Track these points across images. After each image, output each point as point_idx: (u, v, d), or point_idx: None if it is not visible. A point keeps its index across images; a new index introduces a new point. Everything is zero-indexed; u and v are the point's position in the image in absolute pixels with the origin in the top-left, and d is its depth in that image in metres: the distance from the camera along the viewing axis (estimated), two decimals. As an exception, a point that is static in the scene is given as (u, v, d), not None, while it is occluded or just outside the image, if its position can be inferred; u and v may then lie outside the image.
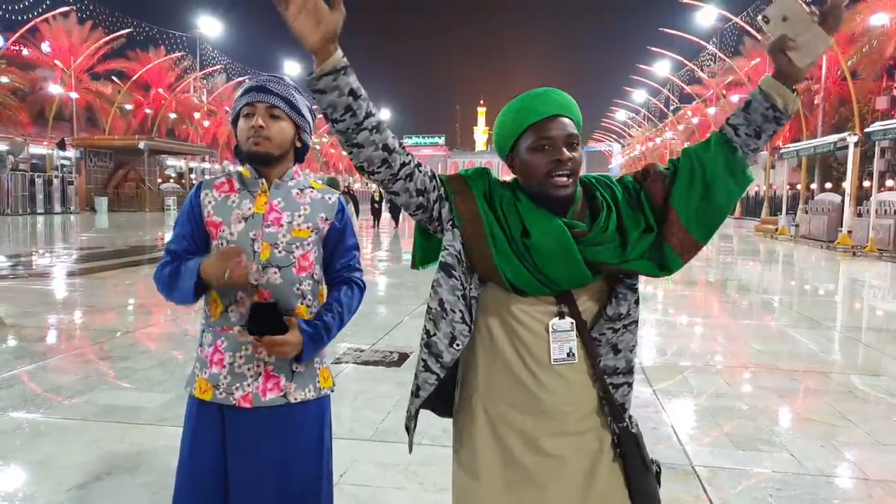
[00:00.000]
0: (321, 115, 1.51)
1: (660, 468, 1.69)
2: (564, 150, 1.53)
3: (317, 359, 2.00)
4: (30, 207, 35.00)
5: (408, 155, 1.56)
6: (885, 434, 4.24)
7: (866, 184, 28.48)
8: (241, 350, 1.90)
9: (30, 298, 8.91)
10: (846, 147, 21.75)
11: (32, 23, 40.95)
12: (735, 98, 45.38)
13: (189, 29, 56.80)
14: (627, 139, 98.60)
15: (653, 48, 54.08)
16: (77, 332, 7.08)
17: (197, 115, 60.21)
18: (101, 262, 13.66)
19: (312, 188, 2.03)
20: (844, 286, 12.95)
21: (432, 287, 1.61)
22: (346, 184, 35.33)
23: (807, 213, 24.17)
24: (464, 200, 1.58)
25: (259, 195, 1.95)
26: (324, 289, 2.06)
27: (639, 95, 71.85)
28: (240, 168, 2.03)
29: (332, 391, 2.05)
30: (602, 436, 1.62)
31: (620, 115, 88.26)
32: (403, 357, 5.85)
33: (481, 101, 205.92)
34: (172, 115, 57.05)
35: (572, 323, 1.57)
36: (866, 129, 21.29)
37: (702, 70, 53.16)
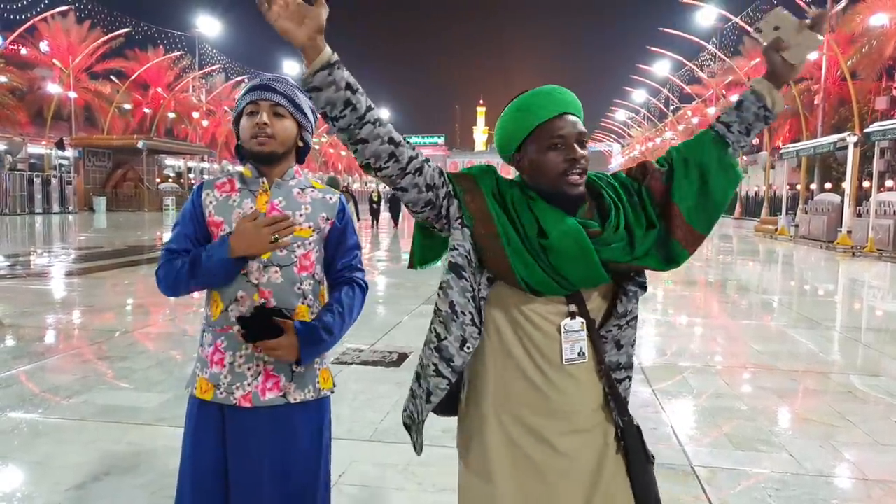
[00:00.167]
0: (321, 113, 1.49)
1: (653, 458, 1.71)
2: (577, 147, 1.55)
3: (317, 360, 1.99)
4: (28, 207, 34.98)
5: (413, 149, 1.54)
6: (884, 434, 4.24)
7: (866, 184, 28.49)
8: (242, 349, 1.90)
9: (28, 298, 8.90)
10: (846, 147, 21.76)
11: (31, 22, 40.95)
12: (735, 98, 45.39)
13: (188, 28, 56.81)
14: (627, 139, 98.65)
15: (653, 48, 54.17)
16: (75, 332, 7.07)
17: (196, 115, 60.20)
18: (100, 261, 13.65)
19: (313, 188, 2.02)
20: (844, 286, 12.95)
21: (441, 288, 1.58)
22: (346, 184, 35.31)
23: (806, 213, 24.19)
24: (473, 199, 1.56)
25: (260, 194, 1.95)
26: (325, 289, 2.06)
27: (639, 95, 71.90)
28: (241, 168, 2.02)
29: (333, 392, 2.04)
30: (607, 430, 1.63)
31: (620, 114, 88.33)
32: (403, 357, 5.84)
33: (481, 101, 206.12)
34: (171, 115, 57.06)
35: (583, 323, 1.58)
36: (866, 130, 21.31)
37: (701, 70, 53.21)
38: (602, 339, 1.61)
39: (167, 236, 21.32)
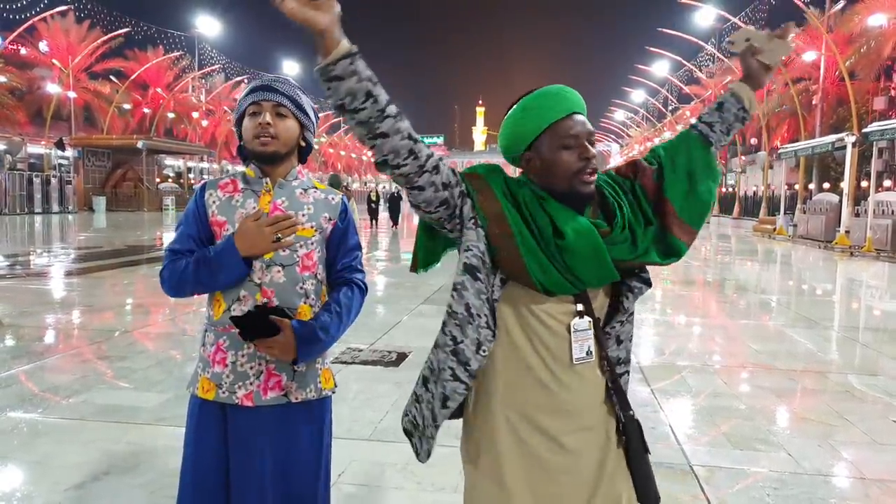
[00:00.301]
0: (338, 105, 1.42)
1: (649, 450, 1.74)
2: (589, 147, 1.58)
3: (318, 359, 2.00)
4: (27, 207, 34.95)
5: (428, 147, 1.51)
6: (882, 433, 4.25)
7: (864, 184, 28.52)
8: (244, 349, 1.91)
9: (27, 298, 8.90)
10: (844, 147, 21.78)
11: (30, 22, 40.91)
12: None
13: (187, 28, 56.84)
14: (626, 139, 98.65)
15: (651, 48, 54.14)
16: (75, 331, 7.07)
17: (195, 115, 60.15)
18: (99, 261, 13.65)
19: (316, 188, 2.03)
20: (842, 286, 12.97)
21: (456, 290, 1.57)
22: (345, 184, 35.31)
23: (805, 213, 24.22)
24: (486, 198, 1.56)
25: (263, 194, 1.96)
26: (326, 289, 2.06)
27: (637, 96, 71.85)
28: (243, 168, 2.03)
29: (334, 392, 2.05)
30: (609, 425, 1.66)
31: (619, 115, 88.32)
32: (402, 357, 5.85)
33: (480, 101, 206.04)
34: (171, 115, 57.00)
35: (590, 321, 1.59)
36: (864, 130, 21.34)
37: (700, 70, 53.23)
38: (606, 335, 1.64)
39: (167, 236, 21.37)
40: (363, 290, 2.06)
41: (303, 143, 2.02)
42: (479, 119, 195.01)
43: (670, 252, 1.62)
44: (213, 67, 64.08)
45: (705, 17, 41.51)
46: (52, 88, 42.93)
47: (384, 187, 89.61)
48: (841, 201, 21.77)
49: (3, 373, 5.23)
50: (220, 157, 63.51)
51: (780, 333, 7.51)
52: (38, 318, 7.55)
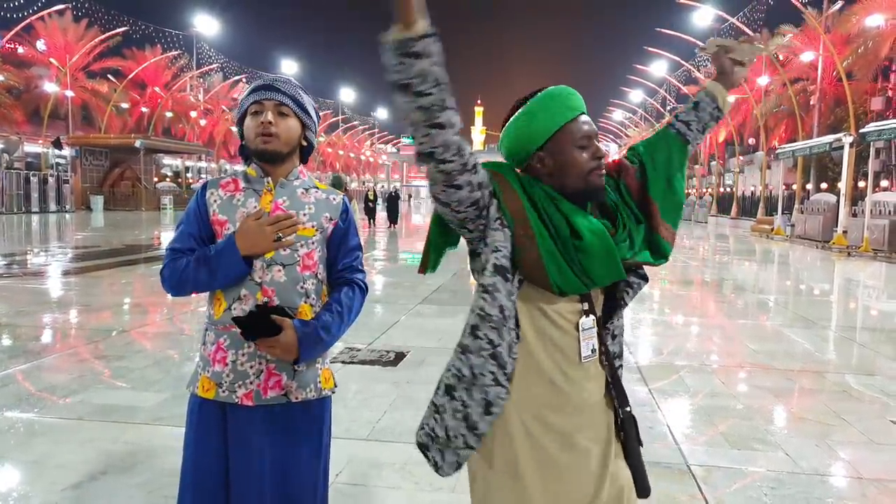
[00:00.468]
0: (402, 84, 1.33)
1: (642, 443, 1.78)
2: (600, 146, 1.61)
3: (319, 359, 2.00)
4: (25, 206, 34.89)
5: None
6: (879, 433, 4.26)
7: (861, 184, 28.58)
8: (244, 347, 1.90)
9: (24, 297, 8.89)
10: (842, 147, 21.81)
11: (28, 20, 40.88)
12: (731, 98, 45.40)
13: (185, 27, 56.81)
14: (624, 139, 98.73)
15: (650, 48, 54.18)
16: (72, 331, 7.06)
17: (193, 114, 60.08)
18: (97, 261, 13.63)
19: (317, 188, 2.04)
20: (839, 286, 12.99)
21: (487, 292, 1.54)
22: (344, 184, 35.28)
23: (802, 213, 24.25)
24: (510, 198, 1.55)
25: (264, 194, 1.96)
26: (327, 289, 2.06)
27: (636, 96, 71.89)
28: (245, 167, 2.03)
29: (334, 392, 2.05)
30: (609, 420, 1.68)
31: (617, 115, 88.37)
32: (400, 356, 5.85)
33: (478, 101, 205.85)
34: (169, 114, 56.93)
35: (594, 319, 1.63)
36: (861, 130, 21.37)
37: (698, 70, 53.23)
38: (606, 331, 1.67)
39: (165, 235, 21.35)
40: (364, 291, 2.07)
41: (304, 143, 2.03)
42: (478, 119, 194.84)
43: (659, 252, 1.66)
44: (212, 66, 63.99)
45: (703, 17, 41.53)
46: (50, 87, 42.88)
47: (382, 187, 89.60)
48: (838, 201, 21.81)
49: (1, 372, 5.22)
50: (218, 156, 63.43)
51: (777, 333, 7.52)
52: (35, 317, 7.53)
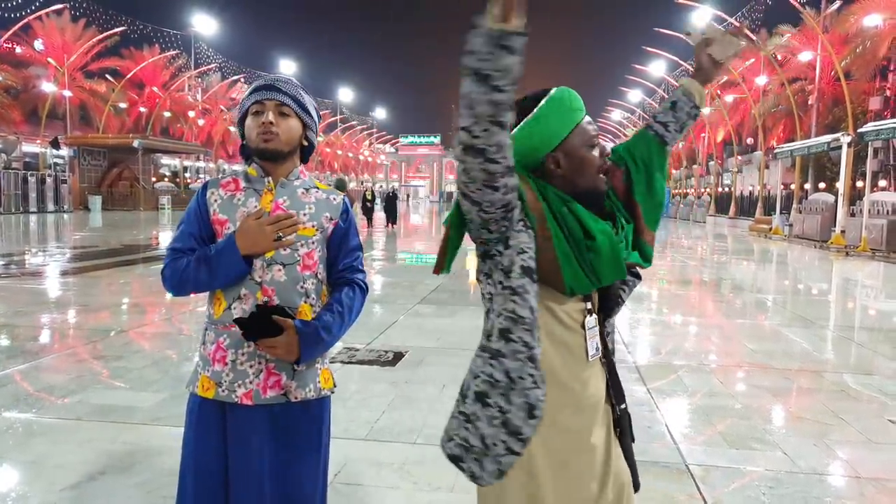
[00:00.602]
0: (483, 74, 1.31)
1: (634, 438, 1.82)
2: (604, 145, 1.65)
3: (318, 359, 2.00)
4: (23, 206, 34.83)
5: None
6: (877, 433, 4.27)
7: (859, 184, 28.59)
8: (244, 347, 1.91)
9: (22, 298, 8.87)
10: (840, 147, 21.85)
11: (25, 20, 40.81)
12: (729, 98, 45.48)
13: (183, 27, 56.78)
14: (622, 139, 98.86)
15: (648, 48, 54.20)
16: (70, 331, 7.05)
17: (191, 114, 60.05)
18: (95, 260, 13.62)
19: (318, 188, 2.04)
20: (837, 286, 13.01)
21: (517, 294, 1.53)
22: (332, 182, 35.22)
23: (800, 212, 24.28)
24: (532, 199, 1.56)
25: (265, 193, 1.96)
26: (327, 289, 2.07)
27: (634, 95, 71.93)
28: (245, 167, 2.03)
29: (333, 392, 2.05)
30: (608, 417, 1.70)
31: (616, 114, 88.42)
32: (398, 356, 5.85)
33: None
34: (167, 114, 56.88)
35: (596, 318, 1.65)
36: (860, 130, 21.40)
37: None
38: (604, 329, 1.70)
39: (163, 235, 21.33)
40: (364, 291, 2.08)
41: (305, 143, 2.03)
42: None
43: (644, 255, 1.69)
44: (210, 66, 63.96)
45: (702, 17, 41.56)
46: (48, 87, 42.82)
47: (380, 186, 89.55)
48: (836, 201, 21.86)
49: (-1, 372, 5.22)
50: (217, 156, 63.42)
51: (775, 333, 7.53)
52: (34, 317, 7.52)
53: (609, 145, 1.76)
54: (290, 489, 1.94)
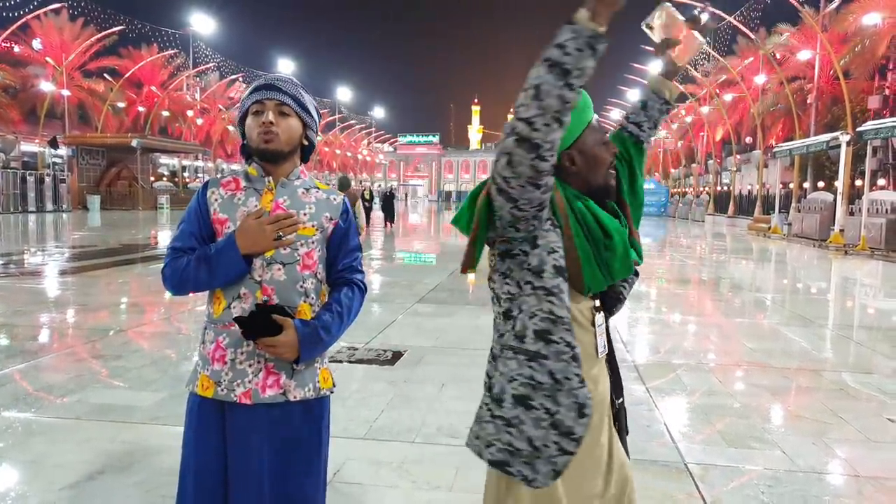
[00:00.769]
0: (565, 69, 1.34)
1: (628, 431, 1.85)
2: (611, 143, 1.68)
3: (318, 358, 2.00)
4: (21, 206, 34.80)
5: None
6: (876, 431, 4.27)
7: (858, 183, 28.61)
8: (243, 346, 1.91)
9: (21, 297, 8.87)
10: (838, 146, 21.86)
11: (24, 20, 40.71)
12: (728, 97, 45.48)
13: (182, 26, 56.70)
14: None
15: (647, 47, 54.13)
16: (69, 330, 7.05)
17: (190, 113, 59.99)
18: (94, 260, 13.61)
19: (318, 188, 2.05)
20: (836, 284, 13.01)
21: (553, 294, 1.54)
22: (336, 180, 35.15)
23: (799, 211, 24.30)
24: (559, 198, 1.57)
25: (265, 193, 1.96)
26: (326, 289, 2.07)
27: (633, 94, 71.95)
28: (246, 167, 2.03)
29: (332, 392, 2.05)
30: (608, 412, 1.72)
31: (614, 114, 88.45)
32: (397, 356, 5.85)
33: (476, 100, 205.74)
34: (165, 113, 56.81)
35: (604, 316, 1.68)
36: (858, 129, 21.41)
37: (695, 69, 53.31)
38: (607, 326, 1.73)
39: (162, 235, 21.31)
40: (363, 291, 2.09)
41: (305, 142, 2.03)
42: (475, 118, 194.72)
43: (637, 253, 1.71)
44: (208, 65, 63.85)
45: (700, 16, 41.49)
46: (46, 86, 42.72)
47: (378, 186, 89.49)
48: (835, 200, 21.87)
49: (-3, 372, 5.21)
50: (215, 155, 63.34)
51: (774, 332, 7.53)
52: (33, 317, 7.52)
53: None
54: (290, 488, 1.94)
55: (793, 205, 26.69)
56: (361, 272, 2.09)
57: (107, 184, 42.68)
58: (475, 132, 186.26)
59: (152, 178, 49.65)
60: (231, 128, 60.42)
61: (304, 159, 2.08)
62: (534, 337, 1.54)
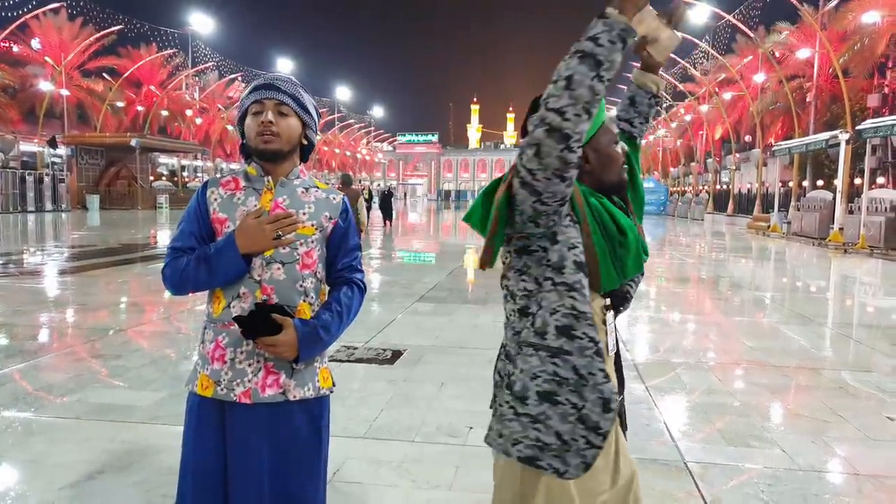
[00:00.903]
0: (597, 60, 1.36)
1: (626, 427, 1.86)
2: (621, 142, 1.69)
3: (317, 358, 2.00)
4: (21, 205, 34.79)
5: None
6: (875, 430, 4.27)
7: (857, 181, 28.64)
8: (243, 345, 1.91)
9: (21, 297, 8.87)
10: (838, 144, 21.84)
11: (22, 19, 40.70)
12: (727, 95, 45.49)
13: (181, 26, 56.66)
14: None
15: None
16: (69, 330, 7.05)
17: (189, 113, 59.97)
18: (93, 259, 13.60)
19: (317, 188, 2.05)
20: (836, 283, 13.01)
21: (576, 290, 1.54)
22: (337, 179, 35.19)
23: (798, 210, 24.29)
24: (577, 195, 1.57)
25: (264, 192, 1.96)
26: (326, 288, 2.07)
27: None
28: (245, 166, 2.03)
29: (332, 391, 2.05)
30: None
31: (613, 112, 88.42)
32: (397, 355, 5.85)
33: (475, 99, 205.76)
34: (164, 113, 56.82)
35: (613, 314, 1.67)
36: (858, 127, 21.40)
37: (694, 68, 53.31)
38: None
39: (161, 234, 21.30)
40: (363, 290, 2.09)
41: (305, 142, 2.03)
42: (474, 117, 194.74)
43: (644, 249, 1.71)
44: (207, 65, 63.86)
45: (700, 15, 41.56)
46: (45, 86, 42.71)
47: (378, 185, 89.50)
48: (835, 198, 21.86)
49: (-3, 372, 5.21)
50: (214, 154, 63.34)
51: (774, 330, 7.54)
52: (32, 316, 7.52)
53: None
54: (289, 488, 1.94)
55: (792, 203, 26.72)
56: (361, 271, 2.09)
57: (106, 183, 42.68)
58: (474, 131, 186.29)
59: (151, 178, 49.65)
60: (230, 127, 60.41)
61: (304, 158, 2.08)
62: (556, 333, 1.54)
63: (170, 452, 3.44)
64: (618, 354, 1.74)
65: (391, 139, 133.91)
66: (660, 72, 1.88)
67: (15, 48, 42.90)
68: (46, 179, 36.80)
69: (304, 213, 1.96)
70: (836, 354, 6.59)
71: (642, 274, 1.74)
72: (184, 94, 60.69)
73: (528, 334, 1.58)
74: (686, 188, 61.44)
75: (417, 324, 7.29)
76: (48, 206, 36.45)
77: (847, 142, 21.50)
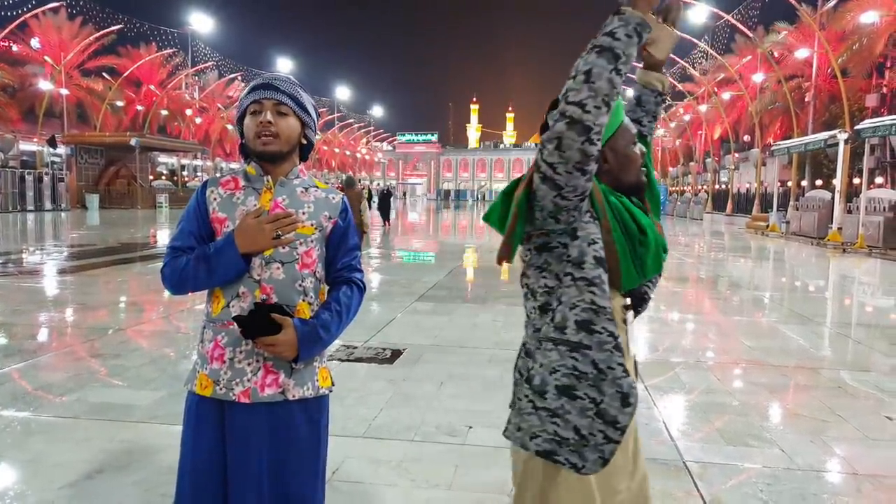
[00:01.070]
0: (615, 54, 1.40)
1: None
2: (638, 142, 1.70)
3: (317, 357, 2.01)
4: (20, 205, 34.78)
5: None
6: (874, 429, 4.28)
7: (856, 181, 28.65)
8: (242, 345, 1.91)
9: (20, 296, 8.86)
10: (836, 144, 21.87)
11: (22, 18, 40.65)
12: (726, 95, 45.49)
13: (180, 25, 56.63)
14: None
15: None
16: (68, 329, 7.04)
17: (189, 112, 59.93)
18: (93, 259, 13.60)
19: (317, 187, 2.05)
20: (834, 282, 13.02)
21: (595, 285, 1.54)
22: (341, 181, 35.18)
23: (797, 209, 24.31)
24: (597, 191, 1.57)
25: (264, 192, 1.96)
26: (325, 287, 2.07)
27: (631, 93, 71.90)
28: (244, 166, 2.04)
29: (331, 391, 2.06)
30: None
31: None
32: (396, 354, 5.85)
33: (474, 99, 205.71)
34: (164, 112, 56.77)
35: (631, 314, 1.69)
36: (856, 127, 21.41)
37: (693, 68, 53.30)
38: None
39: (161, 234, 21.29)
40: (362, 290, 2.09)
41: (304, 141, 2.03)
42: (473, 117, 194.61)
43: (663, 247, 1.72)
44: (207, 64, 63.79)
45: (699, 15, 41.56)
46: (45, 85, 42.66)
47: (377, 185, 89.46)
48: (833, 198, 21.88)
49: (-4, 371, 5.21)
50: (214, 154, 63.31)
51: (772, 330, 7.54)
52: (31, 316, 7.51)
53: None
54: (289, 487, 1.95)
55: (791, 203, 26.71)
56: (360, 271, 2.09)
57: (105, 183, 42.67)
58: (473, 131, 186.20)
59: (151, 177, 49.64)
60: (230, 126, 60.37)
61: (303, 158, 2.08)
62: (575, 327, 1.54)
63: (169, 452, 3.45)
64: (633, 356, 1.75)
65: (391, 139, 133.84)
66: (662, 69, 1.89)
67: (14, 47, 42.84)
68: (46, 179, 36.78)
69: (303, 213, 1.96)
70: (834, 354, 6.60)
71: (660, 275, 1.74)
72: (183, 94, 60.65)
73: (548, 329, 1.58)
74: (685, 188, 61.44)
75: (417, 323, 7.29)
76: (47, 205, 36.43)
77: (846, 141, 21.53)
